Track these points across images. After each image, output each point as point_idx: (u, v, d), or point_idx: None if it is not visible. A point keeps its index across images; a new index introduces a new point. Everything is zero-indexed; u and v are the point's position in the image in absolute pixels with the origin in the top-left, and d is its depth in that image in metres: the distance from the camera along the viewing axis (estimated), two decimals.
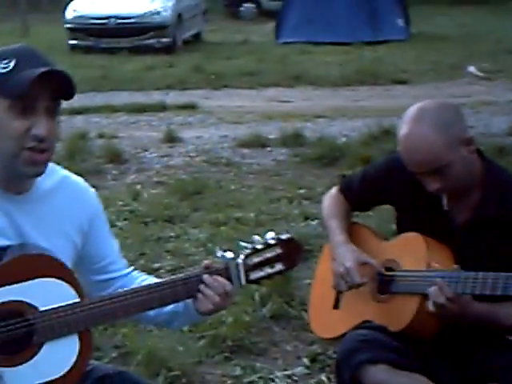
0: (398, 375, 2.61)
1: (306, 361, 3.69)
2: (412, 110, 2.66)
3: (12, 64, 2.04)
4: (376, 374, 2.60)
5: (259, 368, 3.64)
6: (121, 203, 6.39)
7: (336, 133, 8.78)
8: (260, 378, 3.54)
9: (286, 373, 3.59)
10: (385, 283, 2.80)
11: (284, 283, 4.32)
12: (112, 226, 5.56)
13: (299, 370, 3.62)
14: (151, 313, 2.32)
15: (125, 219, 6.02)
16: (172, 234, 5.64)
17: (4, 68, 2.04)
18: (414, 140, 2.60)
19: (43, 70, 2.03)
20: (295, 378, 3.55)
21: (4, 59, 2.05)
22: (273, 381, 3.52)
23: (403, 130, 2.64)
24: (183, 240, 5.49)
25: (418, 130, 2.59)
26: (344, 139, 8.37)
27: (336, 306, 2.95)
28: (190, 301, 2.30)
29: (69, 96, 2.11)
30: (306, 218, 5.78)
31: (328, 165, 7.38)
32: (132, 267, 2.46)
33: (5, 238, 2.11)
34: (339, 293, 2.92)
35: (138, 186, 6.99)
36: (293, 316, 4.14)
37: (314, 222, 5.59)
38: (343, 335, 2.81)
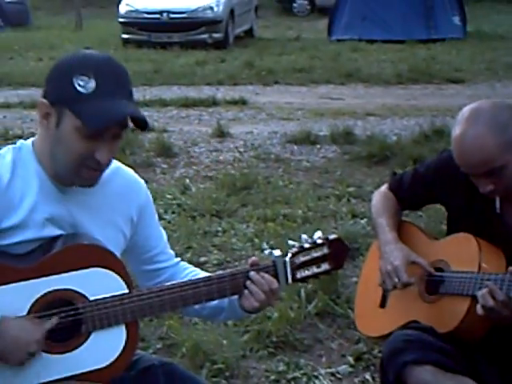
0: (444, 377, 2.57)
1: (350, 359, 3.66)
2: (466, 110, 2.60)
3: (91, 85, 2.04)
4: (421, 375, 2.56)
5: (303, 364, 3.62)
6: (169, 196, 6.42)
7: (387, 131, 8.71)
8: (303, 374, 3.53)
9: (330, 370, 3.57)
10: (434, 283, 2.76)
11: (330, 281, 4.30)
12: (160, 218, 5.56)
13: (343, 368, 3.59)
14: (196, 306, 2.33)
15: (173, 212, 6.05)
16: (219, 229, 5.65)
17: (82, 87, 2.04)
18: (468, 141, 2.55)
19: (122, 112, 2.07)
20: (339, 376, 3.52)
21: (83, 74, 2.05)
22: (316, 378, 3.50)
23: (457, 130, 2.59)
24: (230, 235, 5.49)
25: (472, 130, 2.54)
26: (395, 138, 8.27)
27: (383, 305, 2.92)
28: (235, 297, 2.30)
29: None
30: (354, 216, 5.74)
31: (378, 163, 7.32)
32: (179, 258, 2.47)
33: (58, 227, 2.15)
34: (386, 291, 2.89)
35: (187, 180, 7.02)
36: (338, 314, 4.11)
37: (363, 221, 5.56)
38: (389, 334, 2.77)
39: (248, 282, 2.25)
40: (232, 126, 9.27)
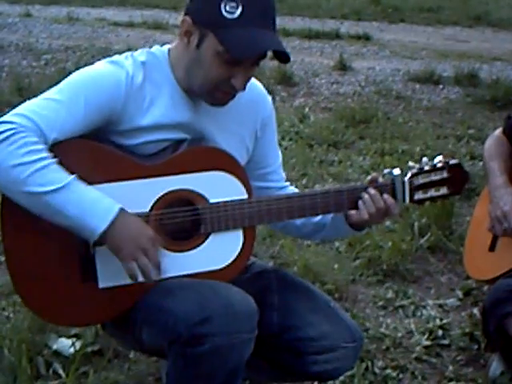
0: None
1: (459, 293, 3.66)
2: None
3: (238, 12, 2.01)
4: None
5: (411, 294, 3.64)
6: (287, 124, 6.48)
7: None
8: (411, 303, 3.55)
9: (438, 302, 3.58)
10: None
11: (444, 216, 4.30)
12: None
13: (451, 301, 3.59)
14: (298, 222, 2.34)
15: (290, 139, 6.12)
16: (335, 159, 5.69)
17: (229, 13, 2.01)
18: None
19: (267, 45, 2.03)
20: (447, 308, 3.53)
21: (232, 1, 2.01)
22: (424, 308, 3.52)
23: None
24: (346, 165, 5.53)
25: None
26: None
27: (492, 249, 2.91)
28: (340, 214, 2.27)
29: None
30: (473, 158, 5.69)
31: (501, 108, 7.18)
32: (289, 183, 2.45)
33: (185, 132, 2.16)
34: (496, 235, 2.88)
35: (306, 109, 7.05)
36: (450, 249, 4.11)
37: (481, 163, 5.47)
38: (496, 279, 2.77)
39: (365, 195, 2.21)
40: (354, 60, 9.23)
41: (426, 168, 2.31)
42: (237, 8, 2.00)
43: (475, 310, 3.47)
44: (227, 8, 2.00)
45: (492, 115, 7.02)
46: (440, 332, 3.30)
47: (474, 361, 3.10)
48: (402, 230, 4.21)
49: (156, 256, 2.00)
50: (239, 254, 2.17)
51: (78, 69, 2.10)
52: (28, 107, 1.95)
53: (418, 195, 2.32)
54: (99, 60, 2.15)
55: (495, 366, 2.88)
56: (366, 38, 10.83)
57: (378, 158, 5.68)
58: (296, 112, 6.96)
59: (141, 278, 1.99)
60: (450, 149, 5.93)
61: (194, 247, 2.12)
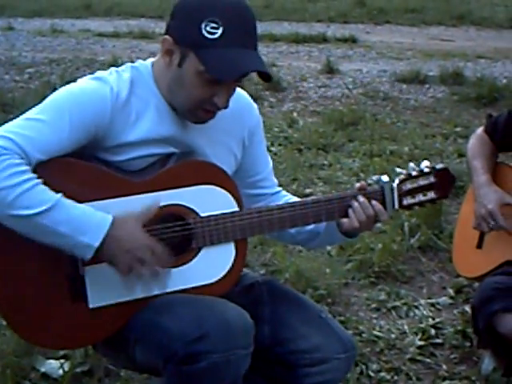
0: None
1: (451, 291, 3.70)
2: None
3: (219, 32, 1.99)
4: (510, 323, 2.55)
5: (404, 295, 3.67)
6: (277, 129, 6.52)
7: (497, 74, 8.62)
8: (404, 304, 3.58)
9: (430, 301, 3.61)
10: None
11: (434, 216, 4.33)
12: (267, 150, 5.68)
13: (443, 299, 3.63)
14: (292, 230, 2.33)
15: (280, 145, 6.15)
16: (325, 162, 5.72)
17: (210, 33, 1.99)
18: None
19: (248, 66, 2.03)
20: (439, 307, 3.56)
21: (212, 21, 1.99)
22: (416, 308, 3.55)
23: None
24: (336, 168, 5.55)
25: None
26: (505, 81, 8.18)
27: (479, 246, 2.93)
28: (332, 222, 2.28)
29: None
30: (461, 156, 5.71)
31: (486, 105, 7.25)
32: (281, 188, 2.45)
33: (173, 146, 2.15)
34: (483, 232, 2.91)
35: (295, 114, 7.09)
36: (441, 248, 4.15)
37: None
38: (485, 275, 2.79)
39: (355, 203, 2.22)
40: (341, 63, 9.28)
41: (414, 173, 2.33)
42: (218, 28, 1.98)
43: (467, 308, 3.49)
44: (208, 28, 1.98)
45: (478, 112, 7.09)
46: (433, 331, 3.33)
47: (467, 358, 3.13)
48: (393, 231, 4.24)
49: (153, 264, 1.98)
50: (232, 267, 2.15)
51: (62, 82, 2.06)
52: (10, 128, 1.91)
53: (407, 200, 2.33)
54: (84, 72, 2.12)
55: (487, 363, 2.91)
56: (353, 40, 10.90)
57: (367, 159, 5.71)
58: (285, 117, 7.00)
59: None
60: (437, 147, 5.98)
61: (186, 262, 2.10)
